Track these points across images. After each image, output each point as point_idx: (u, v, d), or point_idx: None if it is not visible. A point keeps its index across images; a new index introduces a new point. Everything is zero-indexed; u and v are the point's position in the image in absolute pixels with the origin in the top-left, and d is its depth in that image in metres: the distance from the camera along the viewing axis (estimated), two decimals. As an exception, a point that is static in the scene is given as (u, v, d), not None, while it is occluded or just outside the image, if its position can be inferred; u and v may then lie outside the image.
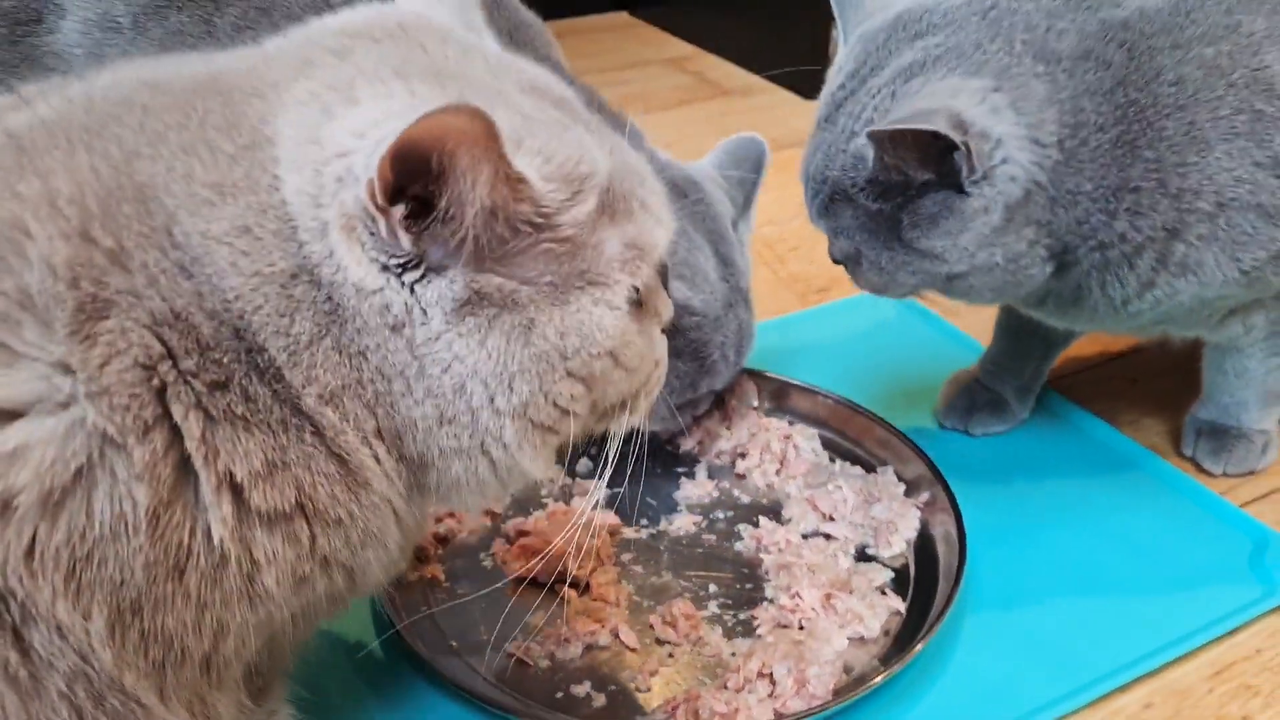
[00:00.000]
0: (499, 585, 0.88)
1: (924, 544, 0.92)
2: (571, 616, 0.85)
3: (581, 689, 0.80)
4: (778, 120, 1.85)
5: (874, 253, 0.86)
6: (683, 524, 0.95)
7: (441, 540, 0.93)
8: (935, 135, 0.75)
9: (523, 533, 0.93)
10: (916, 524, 0.93)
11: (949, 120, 0.76)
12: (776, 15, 1.97)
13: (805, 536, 0.93)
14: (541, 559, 0.84)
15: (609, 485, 0.98)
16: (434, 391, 0.54)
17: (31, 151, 0.51)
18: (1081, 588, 0.90)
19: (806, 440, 1.02)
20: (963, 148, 0.76)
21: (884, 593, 0.87)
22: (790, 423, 1.05)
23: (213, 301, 0.50)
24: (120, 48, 0.96)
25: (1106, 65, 0.81)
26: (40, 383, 0.47)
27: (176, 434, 0.49)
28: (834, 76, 0.89)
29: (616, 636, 0.84)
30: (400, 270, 0.52)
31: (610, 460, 0.67)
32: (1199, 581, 0.90)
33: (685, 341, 0.93)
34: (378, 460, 0.55)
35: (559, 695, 0.80)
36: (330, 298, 0.52)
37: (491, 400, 0.55)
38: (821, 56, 1.93)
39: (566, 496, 0.97)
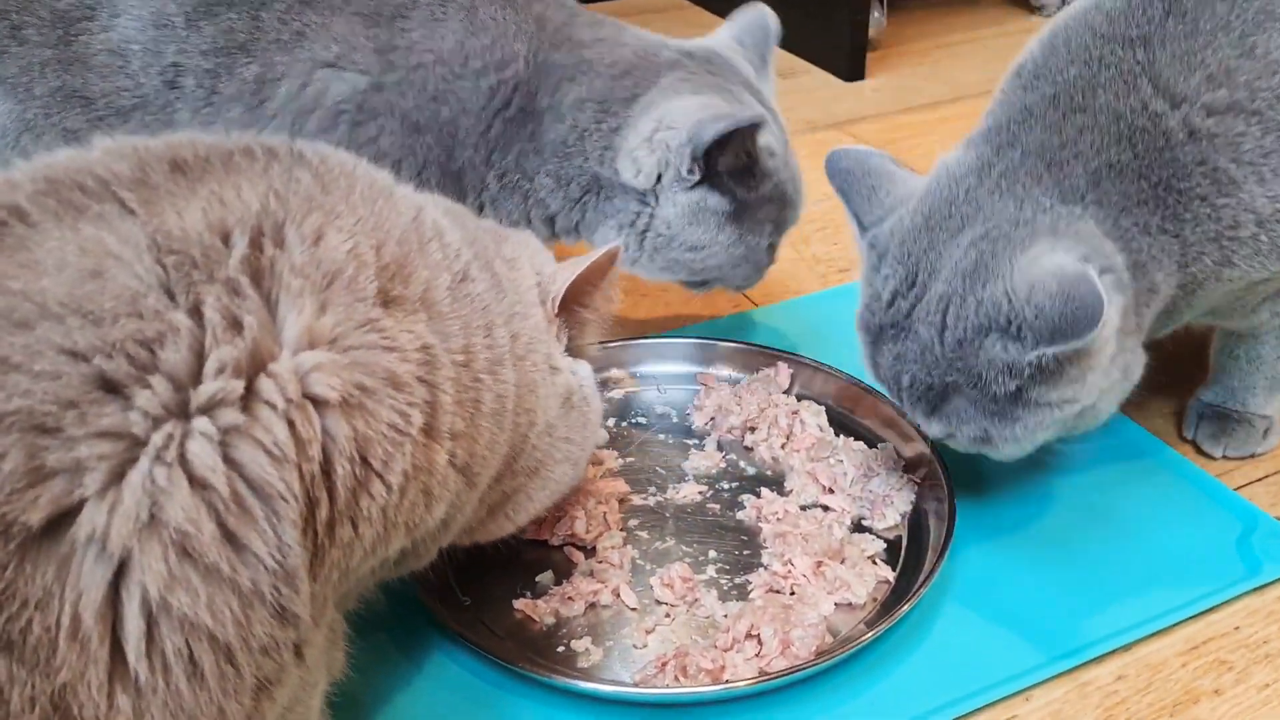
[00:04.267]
0: (514, 548, 0.94)
1: (917, 518, 0.96)
2: (577, 578, 0.91)
3: (581, 644, 0.85)
4: (817, 101, 1.88)
5: (1004, 427, 0.84)
6: (689, 493, 1.00)
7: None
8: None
9: (537, 498, 0.98)
10: (912, 499, 0.97)
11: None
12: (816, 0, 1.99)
13: (804, 507, 0.98)
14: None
15: (621, 454, 1.03)
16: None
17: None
18: (1068, 563, 0.93)
19: (813, 416, 1.07)
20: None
21: (875, 563, 0.92)
22: (799, 399, 1.09)
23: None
24: (175, 44, 1.02)
25: (1121, 172, 0.84)
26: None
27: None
28: (877, 288, 0.88)
29: (618, 596, 0.89)
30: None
31: None
32: (1186, 560, 0.93)
33: (771, 185, 1.09)
34: None
35: (560, 649, 0.85)
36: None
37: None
38: (861, 39, 1.95)
39: (580, 465, 1.03)
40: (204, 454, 0.52)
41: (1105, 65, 0.87)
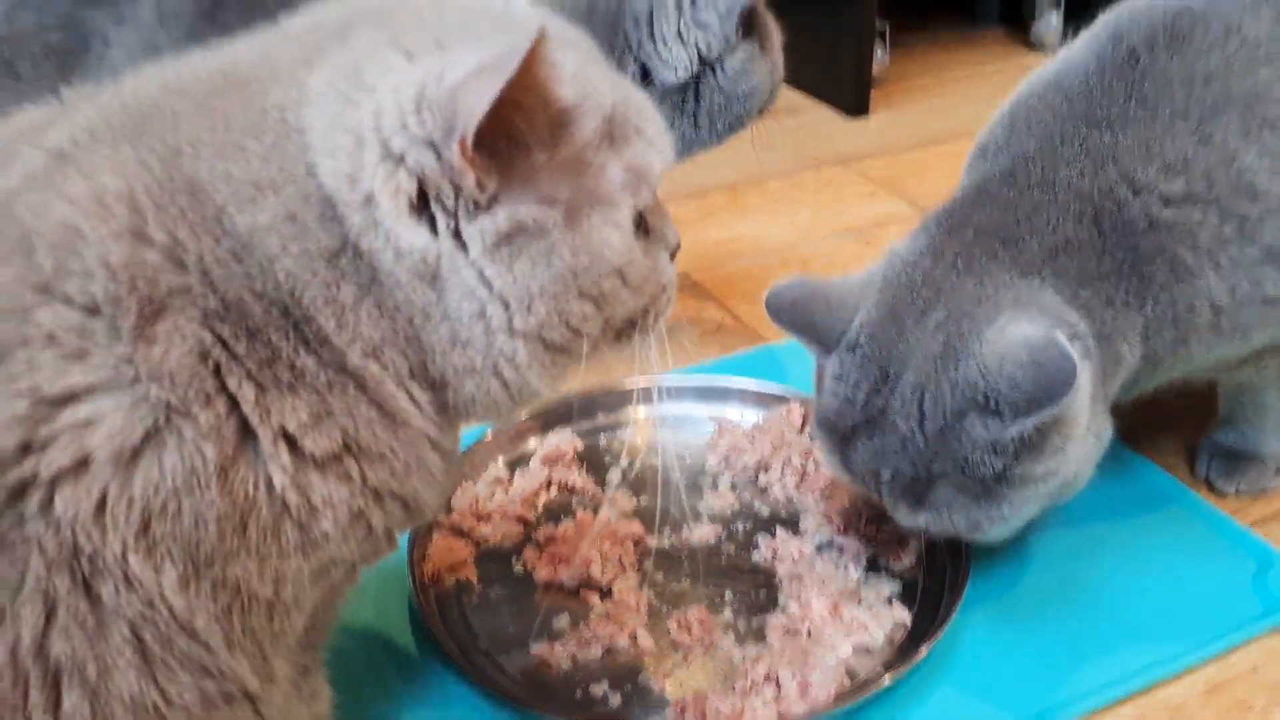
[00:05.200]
0: (528, 589, 0.94)
1: (932, 558, 0.96)
2: (594, 620, 0.91)
3: (599, 688, 0.85)
4: (822, 138, 1.90)
5: (991, 509, 0.83)
6: (704, 534, 1.00)
7: (476, 545, 0.99)
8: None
9: (552, 540, 0.98)
10: (926, 540, 0.97)
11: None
12: (821, 36, 2.01)
13: (819, 548, 0.98)
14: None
15: (636, 495, 1.04)
16: (451, 315, 0.59)
17: (74, 155, 0.56)
18: (1084, 602, 0.93)
19: (826, 456, 1.07)
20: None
21: (891, 603, 0.92)
22: (812, 438, 1.09)
23: (262, 283, 0.56)
24: None
25: (1080, 248, 0.85)
26: (109, 370, 0.52)
27: (234, 400, 0.55)
28: (847, 390, 0.85)
29: (634, 640, 0.89)
30: (472, 215, 0.58)
31: (647, 351, 0.71)
32: (1202, 599, 0.93)
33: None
34: (412, 398, 0.61)
35: (578, 694, 0.85)
36: (370, 264, 0.58)
37: (509, 323, 0.60)
38: (865, 76, 1.97)
39: (595, 507, 1.03)
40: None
41: (1067, 143, 0.88)
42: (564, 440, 1.08)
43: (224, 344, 0.55)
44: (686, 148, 1.16)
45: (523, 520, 1.01)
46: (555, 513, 1.03)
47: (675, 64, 1.11)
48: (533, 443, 1.10)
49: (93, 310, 0.53)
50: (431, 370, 0.61)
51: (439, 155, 0.56)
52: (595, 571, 0.94)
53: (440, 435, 0.64)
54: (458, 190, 0.57)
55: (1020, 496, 0.82)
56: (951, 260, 0.85)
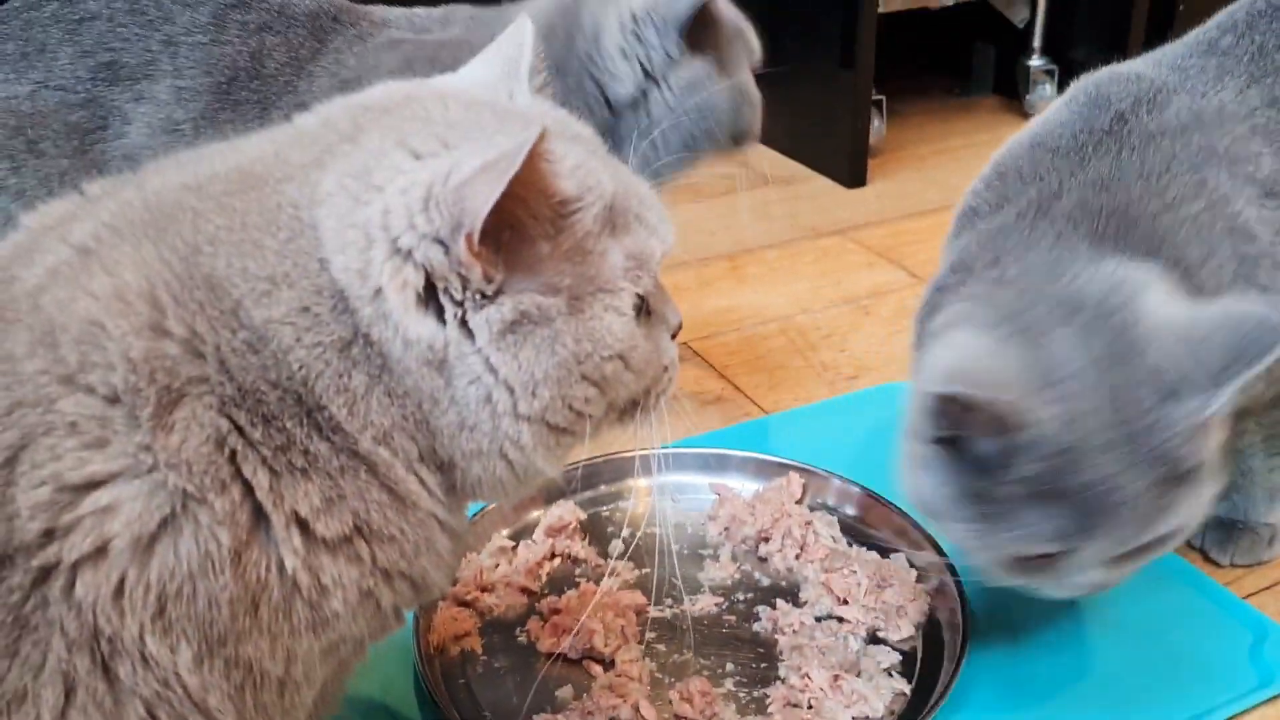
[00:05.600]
0: (532, 660, 0.95)
1: (932, 628, 0.97)
2: (597, 692, 0.92)
3: (602, 760, 0.86)
4: (821, 208, 1.93)
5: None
6: (705, 604, 1.01)
7: (481, 616, 1.00)
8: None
9: (556, 610, 0.99)
10: (925, 609, 0.99)
11: None
12: (818, 108, 2.05)
13: (819, 619, 0.99)
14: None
15: (638, 565, 1.05)
16: (458, 400, 0.61)
17: (98, 251, 0.58)
18: (1081, 674, 0.94)
19: (826, 527, 1.08)
20: None
21: (891, 674, 0.93)
22: (811, 509, 1.11)
23: (277, 373, 0.58)
24: (184, 148, 1.07)
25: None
26: (128, 458, 0.54)
27: (249, 487, 0.57)
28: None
29: (637, 711, 0.90)
30: (479, 305, 0.60)
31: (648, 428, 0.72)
32: (1198, 671, 0.94)
33: (730, 27, 1.20)
34: (421, 482, 0.63)
35: (581, 765, 0.86)
36: (381, 352, 0.59)
37: (515, 407, 0.62)
38: (862, 147, 2.01)
39: (598, 578, 1.04)
40: None
41: (1066, 194, 0.90)
42: (566, 511, 1.10)
43: (240, 431, 0.57)
44: (654, 173, 1.17)
45: (527, 591, 1.03)
46: (559, 583, 1.04)
47: (622, 78, 1.16)
48: (536, 514, 1.11)
49: (113, 400, 0.55)
50: (440, 453, 0.63)
51: (447, 250, 0.58)
52: (598, 642, 0.95)
53: (448, 516, 0.65)
54: (465, 282, 0.59)
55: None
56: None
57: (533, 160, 0.56)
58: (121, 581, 0.54)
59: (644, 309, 0.67)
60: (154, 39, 1.10)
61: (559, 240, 0.61)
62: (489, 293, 0.60)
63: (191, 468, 0.55)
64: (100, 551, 0.54)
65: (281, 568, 0.58)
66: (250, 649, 0.58)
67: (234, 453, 0.57)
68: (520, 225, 0.60)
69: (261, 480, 0.57)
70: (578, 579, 1.04)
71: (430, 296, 0.60)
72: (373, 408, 0.60)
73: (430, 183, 0.58)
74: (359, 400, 0.60)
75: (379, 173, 0.60)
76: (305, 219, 0.60)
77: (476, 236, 0.57)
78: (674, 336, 0.72)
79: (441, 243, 0.58)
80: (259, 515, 0.57)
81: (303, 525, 0.58)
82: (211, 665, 0.57)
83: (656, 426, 0.72)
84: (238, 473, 0.57)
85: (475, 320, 0.60)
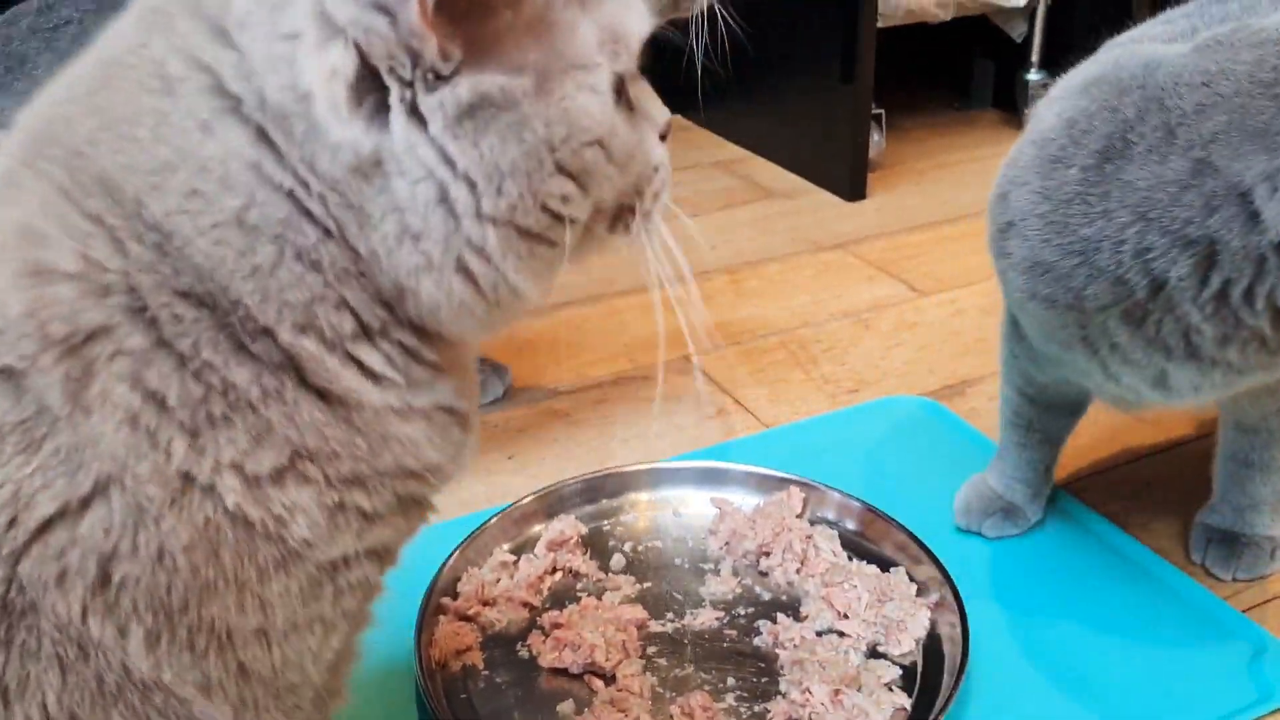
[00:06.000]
0: (533, 674, 0.95)
1: (932, 643, 0.98)
2: (598, 706, 0.92)
3: (604, 775, 0.87)
4: (821, 221, 1.94)
5: None
6: (706, 618, 1.02)
7: (483, 630, 1.00)
8: None
9: (557, 625, 1.00)
10: (926, 623, 0.99)
11: None
12: (818, 122, 2.06)
13: (820, 633, 0.99)
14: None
15: (639, 579, 1.05)
16: (402, 205, 0.53)
17: None
18: (1081, 688, 0.94)
19: (826, 541, 1.09)
20: None
21: (891, 689, 0.93)
22: (812, 523, 1.11)
23: (188, 278, 0.52)
24: None
25: None
26: (59, 459, 0.50)
27: (168, 453, 0.52)
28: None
29: (638, 726, 0.90)
30: (432, 86, 0.51)
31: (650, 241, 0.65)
32: (1197, 685, 0.94)
33: None
34: (361, 368, 0.56)
35: (583, 780, 0.86)
36: (291, 196, 0.52)
37: (477, 206, 0.54)
38: (862, 160, 2.02)
39: (599, 592, 1.05)
40: None
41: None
42: (568, 525, 1.10)
43: (154, 399, 0.52)
44: None
45: (528, 605, 1.03)
46: (560, 598, 1.04)
47: None
48: (537, 528, 1.11)
49: (19, 385, 0.50)
50: (380, 282, 0.55)
51: (393, 20, 0.50)
52: (600, 657, 0.95)
53: (413, 397, 0.59)
54: (416, 58, 0.51)
55: None
56: None
57: None
58: (61, 552, 0.50)
59: (624, 96, 0.59)
60: None
61: (521, 7, 0.53)
62: (445, 72, 0.51)
63: (113, 455, 0.51)
64: (45, 527, 0.51)
65: (225, 508, 0.53)
66: (216, 608, 0.53)
67: (149, 427, 0.51)
68: None
69: (178, 447, 0.52)
70: (579, 593, 1.05)
71: (364, 88, 0.51)
72: (284, 282, 0.53)
73: None
74: (268, 277, 0.53)
75: None
76: (176, 78, 0.52)
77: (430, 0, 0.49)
78: (664, 138, 0.64)
79: (386, 10, 0.49)
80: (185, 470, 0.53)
81: (234, 467, 0.53)
82: (172, 639, 0.53)
83: (657, 241, 0.64)
84: (155, 444, 0.52)
85: (427, 104, 0.52)
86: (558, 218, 0.57)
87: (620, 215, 0.62)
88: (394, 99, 0.51)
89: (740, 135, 2.28)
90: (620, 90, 0.58)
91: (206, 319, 0.52)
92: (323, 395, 0.55)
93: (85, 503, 0.51)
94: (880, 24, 1.96)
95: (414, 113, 0.52)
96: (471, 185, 0.53)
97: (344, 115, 0.51)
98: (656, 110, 0.63)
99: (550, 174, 0.55)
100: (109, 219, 0.51)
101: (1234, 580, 1.07)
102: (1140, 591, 1.05)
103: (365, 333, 0.56)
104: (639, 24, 0.59)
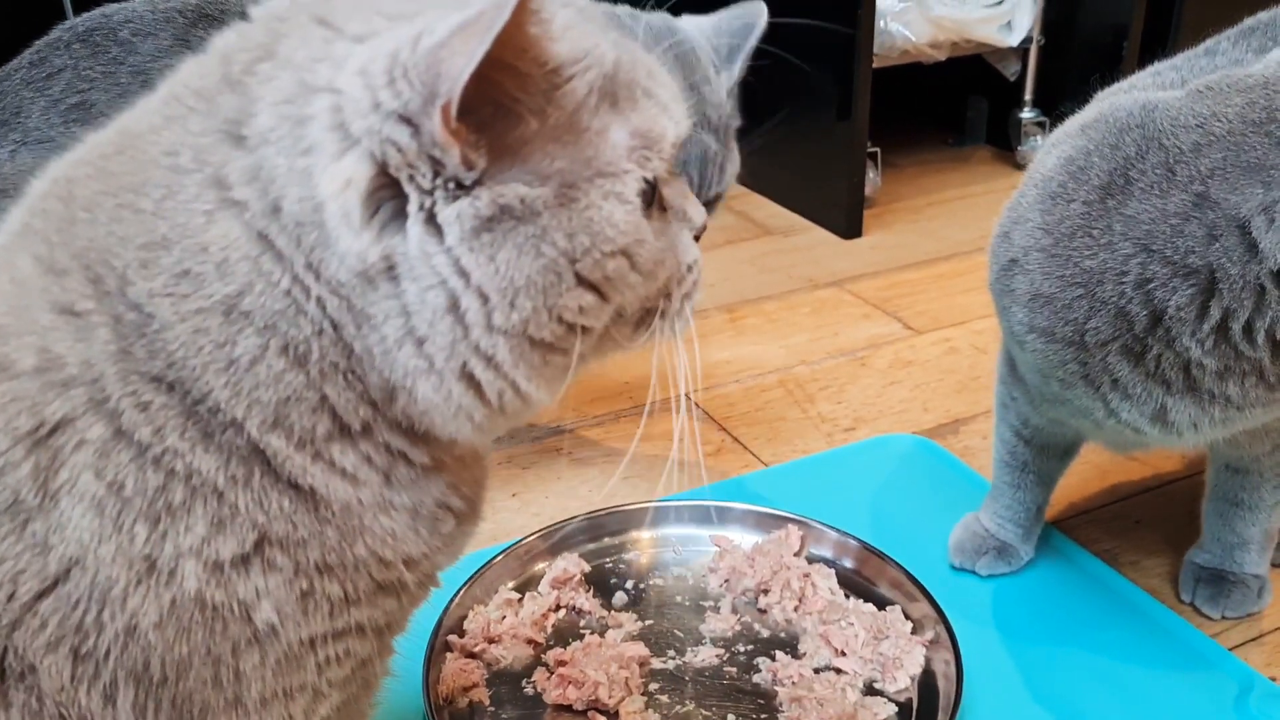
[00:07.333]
0: (538, 711, 0.98)
1: (927, 680, 1.00)
2: (601, 742, 0.94)
3: (607, 811, 0.89)
4: (817, 259, 1.97)
5: None
6: (706, 656, 1.04)
7: (488, 667, 1.03)
8: None
9: (562, 662, 1.02)
10: (921, 660, 1.01)
11: None
12: (814, 160, 2.09)
13: (818, 670, 1.01)
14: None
15: (640, 617, 1.07)
16: (410, 310, 0.52)
17: None
18: (1072, 725, 0.97)
19: (824, 579, 1.11)
20: None
21: (887, 726, 0.96)
22: (810, 561, 1.14)
23: (161, 362, 0.52)
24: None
25: None
26: (32, 548, 0.52)
27: (132, 537, 0.52)
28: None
29: (641, 762, 0.93)
30: (451, 196, 0.51)
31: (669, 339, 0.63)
32: (1185, 722, 0.97)
33: None
34: (333, 466, 0.55)
35: (587, 816, 0.89)
36: (289, 295, 0.52)
37: (489, 318, 0.53)
38: (858, 198, 2.05)
39: (602, 629, 1.07)
40: None
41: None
42: (571, 563, 1.12)
43: (117, 490, 0.52)
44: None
45: (533, 642, 1.05)
46: (564, 635, 1.07)
47: None
48: (541, 565, 1.14)
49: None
50: (370, 380, 0.54)
51: (416, 131, 0.49)
52: (603, 694, 0.97)
53: (394, 494, 0.58)
54: (437, 168, 0.50)
55: None
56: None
57: (519, 17, 0.48)
58: (45, 625, 0.52)
59: (655, 200, 0.57)
60: (121, 71, 1.11)
61: (548, 114, 0.52)
62: (467, 182, 0.50)
63: (78, 540, 0.52)
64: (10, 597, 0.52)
65: (188, 593, 0.53)
66: (193, 681, 0.54)
67: (113, 513, 0.52)
68: (504, 98, 0.51)
69: (140, 532, 0.52)
70: (582, 630, 1.07)
71: (381, 196, 0.51)
72: (261, 379, 0.52)
73: (395, 50, 0.49)
74: (245, 371, 0.52)
75: (319, 71, 0.51)
76: (184, 169, 0.52)
77: (455, 107, 0.48)
78: (697, 238, 0.63)
79: (409, 121, 0.49)
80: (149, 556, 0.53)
81: (194, 553, 0.53)
82: (158, 709, 0.53)
83: (681, 339, 0.62)
84: (119, 528, 0.52)
85: (445, 214, 0.51)
86: (571, 329, 0.55)
87: (645, 319, 0.60)
88: (412, 207, 0.51)
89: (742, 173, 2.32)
90: (651, 195, 0.57)
91: (175, 405, 0.52)
92: (293, 485, 0.54)
93: (57, 580, 0.52)
94: (876, 64, 2.00)
95: (431, 221, 0.51)
96: (484, 298, 0.52)
97: (355, 225, 0.50)
98: (693, 211, 0.62)
99: (569, 287, 0.54)
100: (80, 304, 0.52)
101: (1222, 618, 1.10)
102: (1131, 629, 1.07)
103: (343, 432, 0.55)
104: (675, 127, 0.57)
